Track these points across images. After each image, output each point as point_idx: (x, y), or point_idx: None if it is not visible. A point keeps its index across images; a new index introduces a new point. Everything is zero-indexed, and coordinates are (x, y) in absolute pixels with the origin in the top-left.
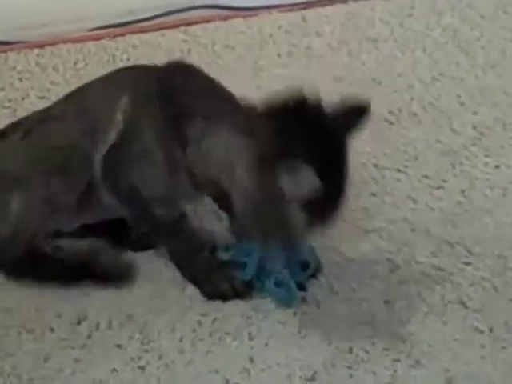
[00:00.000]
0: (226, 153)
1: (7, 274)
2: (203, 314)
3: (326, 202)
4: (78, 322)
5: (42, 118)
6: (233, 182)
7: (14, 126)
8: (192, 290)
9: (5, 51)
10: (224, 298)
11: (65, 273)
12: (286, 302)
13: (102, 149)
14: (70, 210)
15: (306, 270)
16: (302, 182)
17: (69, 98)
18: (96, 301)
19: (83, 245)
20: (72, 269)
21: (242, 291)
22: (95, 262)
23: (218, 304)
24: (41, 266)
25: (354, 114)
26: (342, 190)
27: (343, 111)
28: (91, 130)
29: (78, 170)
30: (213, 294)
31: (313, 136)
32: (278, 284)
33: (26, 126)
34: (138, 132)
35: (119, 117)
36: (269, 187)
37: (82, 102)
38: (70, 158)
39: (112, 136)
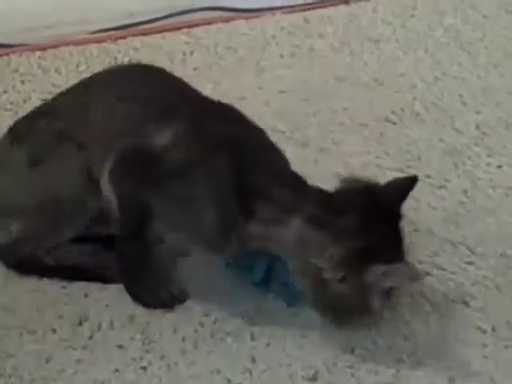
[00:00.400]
0: (300, 245)
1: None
2: (205, 315)
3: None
4: (80, 323)
5: (52, 139)
6: (306, 273)
7: (23, 123)
8: (193, 291)
9: (7, 54)
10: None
11: (65, 278)
12: (291, 302)
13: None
14: (71, 234)
15: None
16: (393, 276)
17: (76, 97)
18: (97, 301)
19: (81, 249)
20: (72, 274)
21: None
22: (93, 265)
23: (219, 304)
24: (42, 274)
25: (404, 187)
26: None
27: (395, 186)
28: (97, 144)
29: (80, 215)
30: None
31: (388, 225)
32: (284, 285)
33: (34, 152)
34: (190, 179)
35: (157, 142)
36: (354, 289)
37: (92, 112)
38: (72, 204)
39: (130, 153)
